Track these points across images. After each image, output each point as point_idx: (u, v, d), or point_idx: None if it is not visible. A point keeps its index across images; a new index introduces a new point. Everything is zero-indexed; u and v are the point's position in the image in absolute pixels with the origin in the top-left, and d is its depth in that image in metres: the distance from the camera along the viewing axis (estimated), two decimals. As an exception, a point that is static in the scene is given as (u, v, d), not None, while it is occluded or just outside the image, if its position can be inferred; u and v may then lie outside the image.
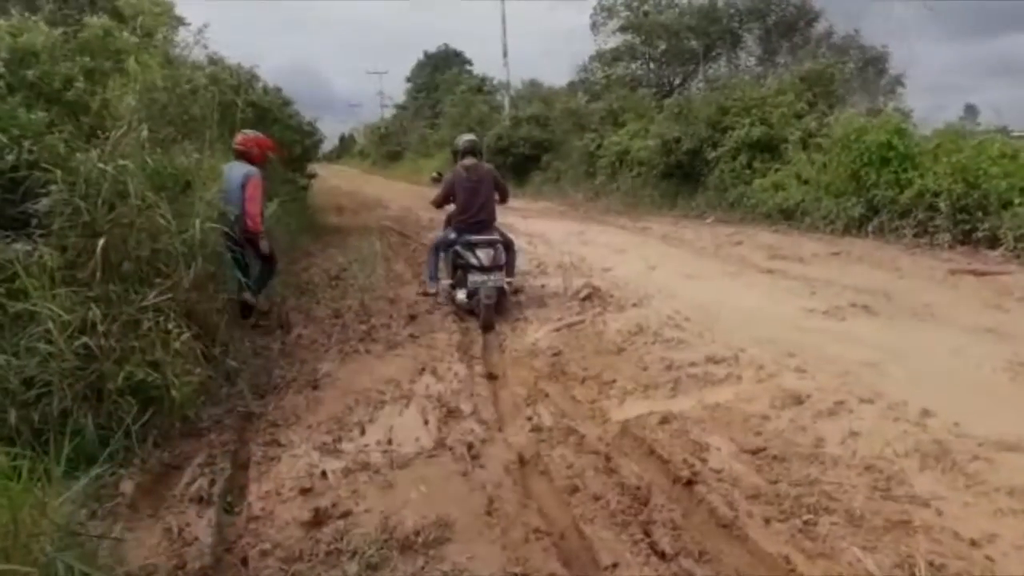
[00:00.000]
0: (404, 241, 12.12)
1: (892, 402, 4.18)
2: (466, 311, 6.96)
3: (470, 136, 7.78)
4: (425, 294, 7.51)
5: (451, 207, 7.41)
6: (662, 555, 2.81)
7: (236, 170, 6.41)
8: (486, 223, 7.16)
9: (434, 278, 7.45)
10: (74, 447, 3.49)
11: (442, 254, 7.39)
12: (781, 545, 2.76)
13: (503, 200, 7.58)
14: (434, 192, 7.68)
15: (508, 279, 7.11)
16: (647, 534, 2.95)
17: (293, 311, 7.03)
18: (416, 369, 5.23)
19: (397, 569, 2.81)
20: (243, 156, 6.58)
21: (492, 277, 6.73)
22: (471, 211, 7.12)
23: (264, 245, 6.48)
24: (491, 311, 6.60)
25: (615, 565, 2.74)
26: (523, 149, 23.72)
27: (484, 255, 6.81)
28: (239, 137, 6.70)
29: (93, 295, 4.02)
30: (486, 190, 7.20)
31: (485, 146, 24.29)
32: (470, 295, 6.80)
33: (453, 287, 7.14)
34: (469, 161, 7.25)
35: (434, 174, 8.26)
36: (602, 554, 2.82)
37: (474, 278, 6.76)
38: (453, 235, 7.15)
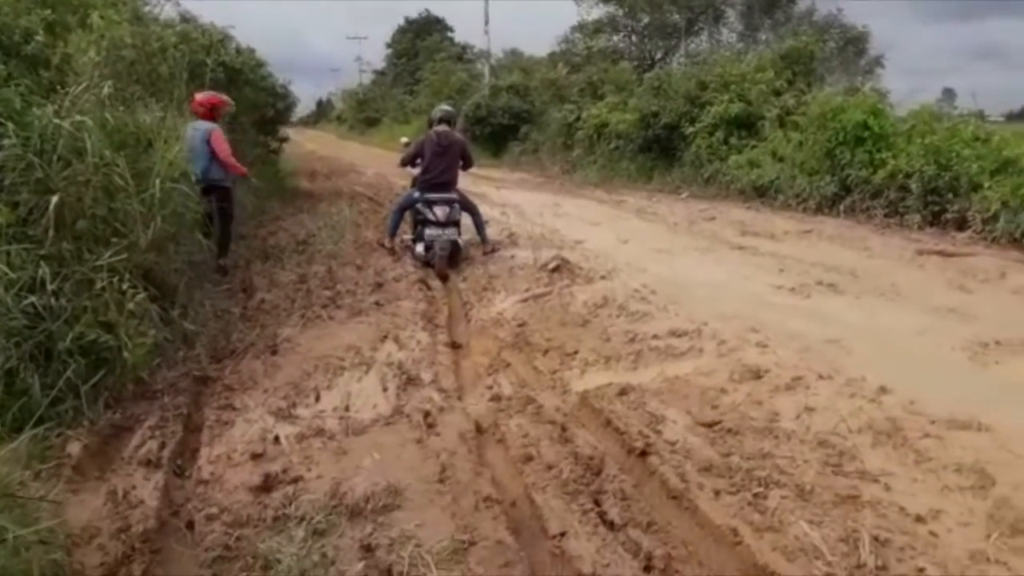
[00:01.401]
0: (375, 208, 11.99)
1: (850, 378, 4.21)
2: (423, 263, 7.56)
3: (447, 107, 8.57)
4: (381, 246, 8.08)
5: (416, 170, 8.04)
6: (611, 525, 2.81)
7: (197, 128, 6.81)
8: (447, 185, 7.79)
9: (394, 234, 8.13)
10: (20, 408, 3.44)
11: (406, 214, 8.09)
12: (729, 518, 2.77)
13: (467, 167, 8.26)
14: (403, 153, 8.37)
15: (481, 243, 8.00)
16: (597, 504, 2.95)
17: (257, 275, 6.94)
18: (378, 336, 5.18)
19: (344, 535, 2.78)
20: (201, 116, 7.02)
21: (447, 232, 7.51)
22: (434, 172, 7.76)
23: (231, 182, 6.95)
24: (444, 261, 7.34)
25: (563, 534, 2.73)
26: (502, 119, 23.50)
27: (440, 211, 7.55)
28: (196, 98, 7.10)
29: (44, 253, 3.91)
30: (452, 156, 7.87)
31: (463, 115, 24.22)
32: (427, 248, 7.50)
33: (413, 241, 7.84)
34: (442, 128, 7.90)
35: (404, 139, 8.91)
36: (551, 523, 2.81)
37: (430, 232, 7.49)
38: (416, 194, 7.80)
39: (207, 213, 6.23)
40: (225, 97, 7.48)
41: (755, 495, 2.94)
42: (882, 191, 10.89)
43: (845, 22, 23.76)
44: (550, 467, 3.25)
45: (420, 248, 7.62)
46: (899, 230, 10.05)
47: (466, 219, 8.09)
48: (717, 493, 2.97)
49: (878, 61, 23.00)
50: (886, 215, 10.66)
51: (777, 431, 3.51)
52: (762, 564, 2.49)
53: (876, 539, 2.61)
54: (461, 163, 8.04)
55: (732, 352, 4.64)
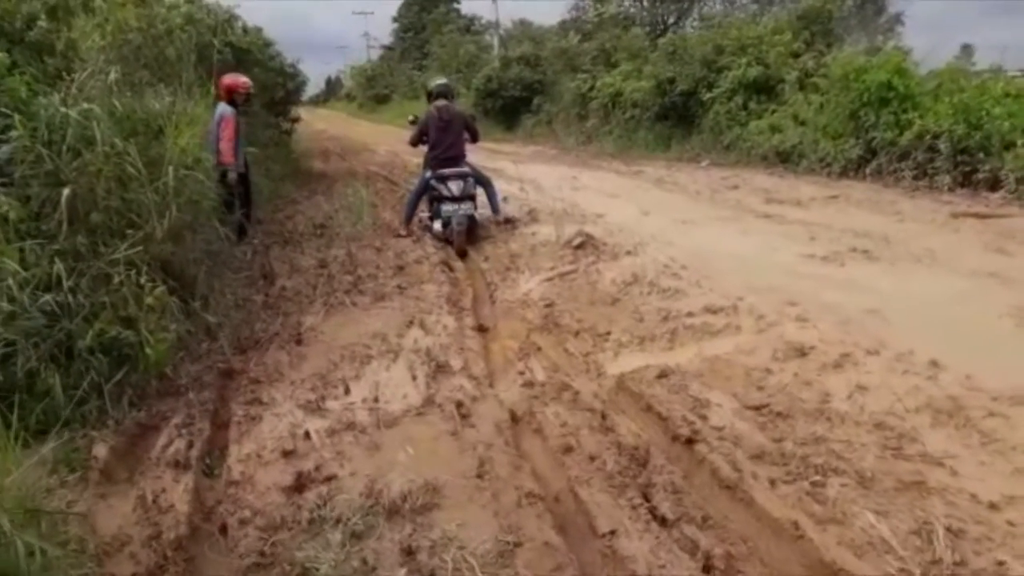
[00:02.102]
0: (391, 187, 11.82)
1: (898, 352, 4.02)
2: (442, 240, 7.56)
3: (442, 80, 8.70)
4: (398, 235, 7.83)
5: (426, 148, 8.04)
6: (663, 521, 2.67)
7: (217, 112, 6.89)
8: (457, 159, 7.80)
9: (409, 220, 8.04)
10: (43, 409, 3.34)
11: (421, 199, 8.03)
12: (788, 509, 2.62)
13: (474, 140, 8.29)
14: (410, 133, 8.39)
15: (493, 213, 8.02)
16: (646, 498, 2.81)
17: (277, 261, 6.81)
18: (404, 322, 5.04)
19: (383, 538, 2.66)
20: (219, 98, 7.05)
21: (463, 206, 7.48)
22: (442, 147, 7.78)
23: (231, 177, 6.76)
24: (462, 236, 7.30)
25: (613, 532, 2.60)
26: (513, 91, 23.10)
27: (455, 186, 7.53)
28: (225, 78, 7.22)
29: (59, 248, 3.80)
30: (456, 129, 7.88)
31: (475, 88, 23.92)
32: (444, 224, 7.49)
33: (430, 219, 7.83)
34: (441, 103, 7.95)
35: (411, 117, 8.83)
36: (599, 520, 2.68)
37: (447, 208, 7.49)
38: (428, 174, 7.78)
39: (223, 198, 6.16)
40: (241, 80, 7.38)
41: (813, 484, 2.79)
42: (909, 153, 10.56)
43: (862, -21, 23.17)
44: (592, 458, 3.11)
45: (438, 225, 7.63)
46: (929, 192, 9.77)
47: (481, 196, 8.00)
48: (772, 483, 2.82)
49: (898, 18, 22.44)
50: (914, 177, 10.35)
51: (830, 413, 3.34)
52: (829, 561, 2.35)
53: (949, 529, 2.45)
54: (467, 135, 8.07)
55: (772, 328, 4.46)
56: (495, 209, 8.12)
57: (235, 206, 6.60)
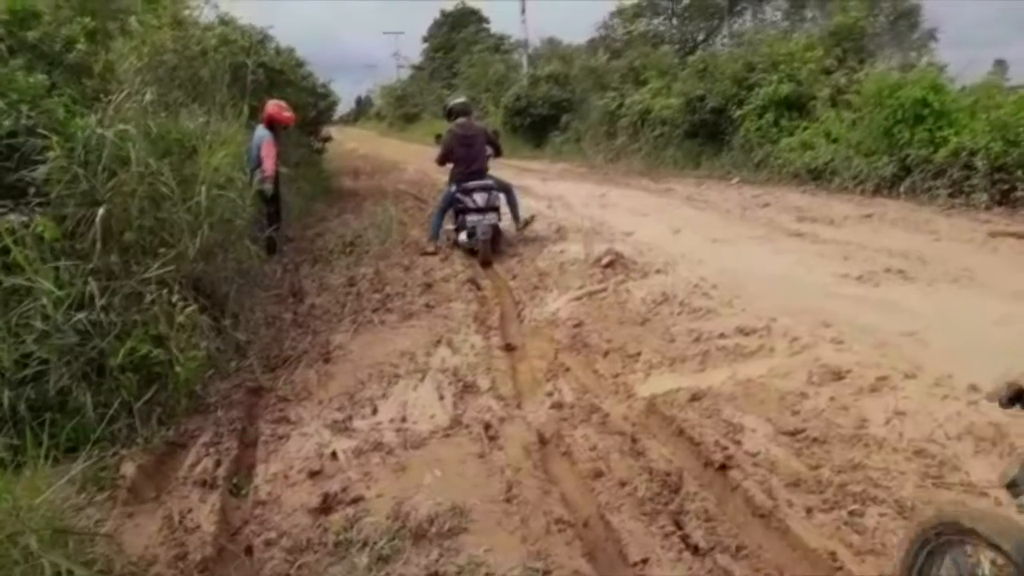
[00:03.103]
0: (420, 206, 11.85)
1: (937, 377, 3.91)
2: (467, 249, 7.84)
3: (461, 98, 9.22)
4: (424, 253, 7.91)
5: (452, 165, 8.28)
6: (695, 549, 2.60)
7: (256, 134, 7.31)
8: (480, 172, 8.07)
9: (436, 236, 8.19)
10: (74, 427, 3.36)
11: (449, 212, 8.20)
12: (826, 539, 2.54)
13: (498, 154, 8.59)
14: (438, 150, 8.60)
15: (513, 220, 8.26)
16: (678, 525, 2.75)
17: (306, 279, 6.85)
18: (432, 341, 5.03)
19: (410, 562, 2.62)
20: (261, 122, 7.50)
21: (487, 217, 7.74)
22: (466, 163, 8.06)
23: (267, 189, 7.03)
24: (487, 246, 7.62)
25: (645, 561, 2.54)
26: (542, 109, 23.13)
27: (480, 198, 7.78)
28: (269, 106, 7.62)
29: (93, 267, 3.84)
30: (478, 144, 8.18)
31: (503, 106, 24.01)
32: (470, 235, 7.74)
33: (456, 231, 8.06)
34: (462, 120, 8.27)
35: (436, 136, 9.07)
36: (631, 548, 2.62)
37: (471, 219, 7.73)
38: (453, 187, 8.04)
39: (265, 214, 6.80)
40: (286, 114, 7.72)
41: (851, 513, 2.70)
42: (945, 170, 10.37)
43: (896, -5, 22.89)
44: (623, 484, 3.05)
45: (463, 236, 7.90)
46: (965, 211, 9.57)
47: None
48: (809, 511, 2.74)
49: (931, 35, 22.07)
50: (950, 195, 10.15)
51: (867, 439, 3.24)
52: (868, 594, 2.26)
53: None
54: (490, 150, 8.35)
55: (806, 350, 4.37)
56: (515, 216, 8.38)
57: (265, 223, 6.90)
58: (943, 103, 10.99)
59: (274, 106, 7.64)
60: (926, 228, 8.49)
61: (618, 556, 2.63)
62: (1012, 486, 1.57)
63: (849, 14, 16.23)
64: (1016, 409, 1.38)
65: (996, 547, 1.60)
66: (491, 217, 7.79)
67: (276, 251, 7.32)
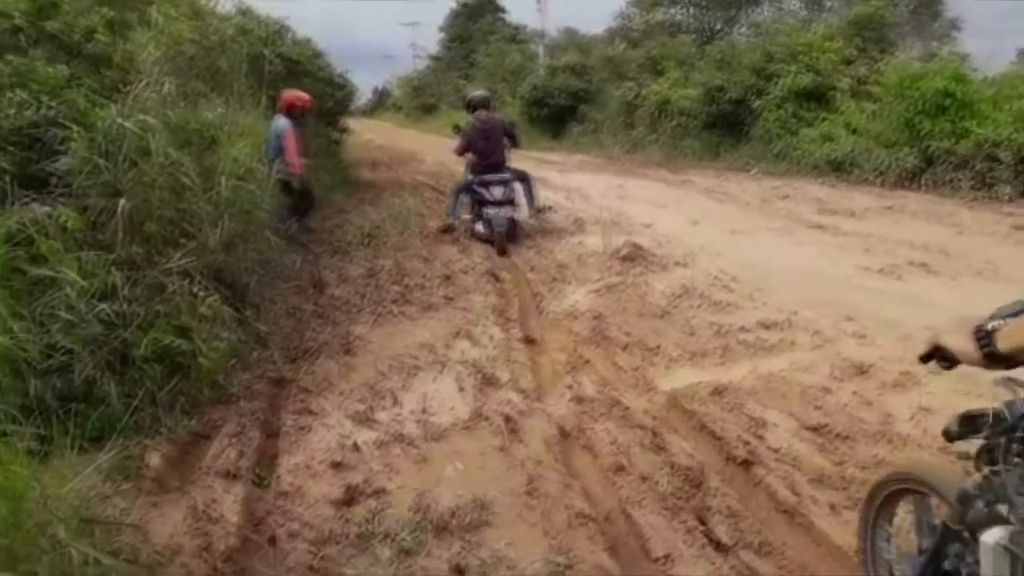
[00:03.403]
0: (438, 197, 11.82)
1: (962, 372, 3.84)
2: (484, 240, 8.00)
3: (481, 91, 9.41)
4: (445, 229, 8.40)
5: (471, 155, 8.50)
6: (719, 545, 2.59)
7: (275, 123, 7.36)
8: (499, 165, 8.31)
9: (453, 215, 8.49)
10: (99, 417, 3.39)
11: (462, 195, 8.46)
12: (851, 536, 2.50)
13: (515, 145, 8.78)
14: (455, 141, 8.79)
15: (528, 209, 8.28)
16: (702, 521, 2.73)
17: (326, 270, 6.86)
18: (451, 333, 5.03)
19: (432, 555, 2.63)
20: (292, 108, 7.64)
21: (504, 210, 7.96)
22: (485, 155, 8.29)
23: (296, 181, 7.30)
24: (503, 237, 7.79)
25: (667, 556, 2.53)
26: (559, 100, 23.01)
27: (498, 191, 8.03)
28: (285, 94, 7.74)
29: (116, 258, 3.86)
30: (497, 137, 8.37)
31: (520, 97, 23.94)
32: (487, 226, 7.98)
33: (473, 221, 8.28)
34: (482, 113, 8.47)
35: (454, 127, 9.36)
36: (653, 543, 2.61)
37: (489, 211, 7.97)
38: (471, 177, 8.31)
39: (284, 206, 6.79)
40: (305, 96, 7.94)
41: (876, 510, 2.67)
42: (968, 162, 10.27)
43: (918, -16, 22.55)
44: (645, 478, 3.04)
45: (480, 227, 8.12)
46: (988, 203, 9.47)
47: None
48: (833, 508, 2.72)
49: (954, 24, 21.77)
50: (973, 187, 10.06)
51: (892, 435, 3.22)
52: (895, 592, 2.24)
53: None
54: (507, 141, 8.54)
55: (829, 344, 4.34)
56: (532, 203, 8.49)
57: (293, 212, 7.20)
58: (966, 94, 10.87)
59: (291, 93, 7.78)
60: (949, 220, 8.40)
61: (640, 551, 2.63)
62: (950, 437, 1.68)
63: (870, 3, 16.05)
64: (932, 365, 1.57)
65: (938, 492, 1.80)
66: (507, 209, 7.99)
67: (312, 233, 7.87)
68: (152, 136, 4.30)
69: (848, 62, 14.16)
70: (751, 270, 6.12)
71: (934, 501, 1.84)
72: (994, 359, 1.37)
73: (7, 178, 3.87)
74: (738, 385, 3.84)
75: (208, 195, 4.61)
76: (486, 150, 8.30)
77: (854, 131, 12.46)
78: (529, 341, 5.07)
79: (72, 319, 3.46)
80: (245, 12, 10.28)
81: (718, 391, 3.75)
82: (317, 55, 12.25)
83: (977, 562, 1.54)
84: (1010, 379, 1.56)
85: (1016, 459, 1.50)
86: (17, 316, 3.32)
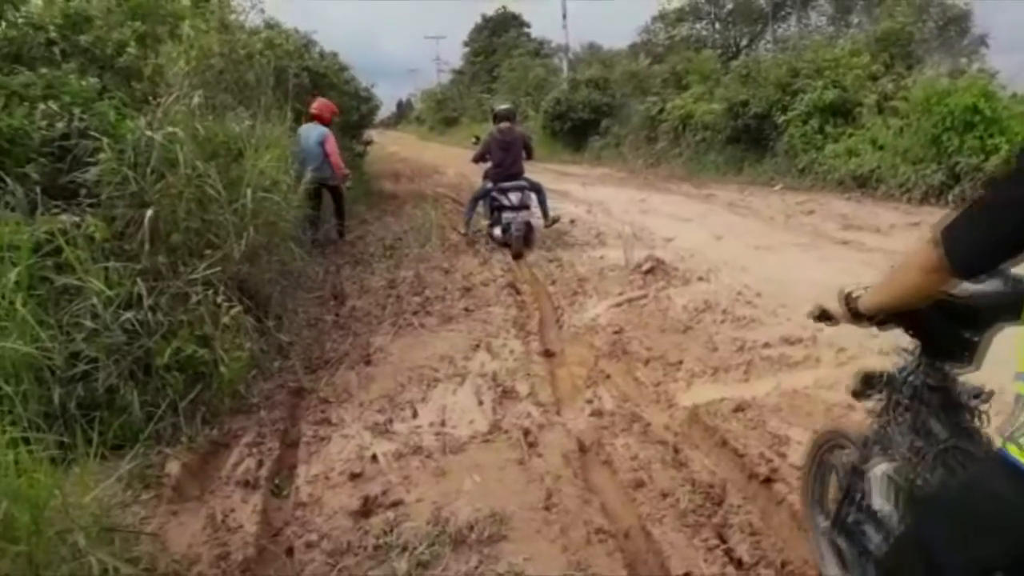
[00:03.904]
0: (459, 209, 11.84)
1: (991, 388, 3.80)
2: (501, 244, 8.49)
3: (507, 105, 10.00)
4: (462, 234, 9.00)
5: (487, 164, 8.98)
6: (739, 564, 2.55)
7: (312, 131, 7.98)
8: (516, 174, 8.74)
9: (470, 222, 9.04)
10: (120, 425, 3.41)
11: (480, 202, 8.97)
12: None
13: (529, 156, 9.18)
14: (474, 151, 9.43)
15: (542, 217, 8.83)
16: (722, 539, 2.69)
17: (347, 281, 6.91)
18: (471, 345, 5.03)
19: (449, 568, 2.61)
20: (316, 119, 8.16)
21: (521, 215, 8.43)
22: (504, 165, 8.72)
23: (343, 183, 8.35)
24: (520, 241, 8.27)
25: (687, 575, 2.49)
26: (582, 113, 23.09)
27: (515, 197, 8.50)
28: (314, 104, 8.32)
29: (141, 268, 3.90)
30: (516, 149, 8.84)
31: (543, 111, 24.05)
32: (504, 230, 8.42)
33: (491, 226, 8.73)
34: (504, 125, 8.89)
35: (473, 138, 10.15)
36: (673, 561, 2.57)
37: (506, 216, 8.43)
38: (489, 184, 8.77)
39: (313, 208, 7.57)
40: (332, 106, 8.65)
41: (901, 531, 2.62)
42: (996, 179, 10.13)
43: (944, 0, 22.35)
44: (665, 495, 3.01)
45: (498, 231, 8.57)
46: (1017, 220, 9.32)
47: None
48: (857, 528, 2.66)
49: (982, 40, 21.49)
50: (1001, 204, 9.90)
51: (918, 455, 3.15)
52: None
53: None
54: (524, 154, 8.99)
55: (853, 361, 4.26)
56: (544, 212, 8.92)
57: (334, 215, 8.40)
58: (994, 110, 10.75)
59: (326, 102, 8.43)
60: (976, 238, 8.27)
61: (660, 569, 2.59)
62: (856, 394, 2.10)
63: (896, 19, 15.97)
64: (822, 325, 1.96)
65: (852, 443, 2.12)
66: (524, 214, 8.47)
67: (343, 236, 8.57)
68: (179, 148, 4.36)
69: (874, 78, 14.07)
70: (775, 285, 6.07)
71: (855, 451, 2.09)
72: (857, 317, 1.76)
73: (36, 189, 3.93)
74: (761, 402, 3.79)
75: (233, 206, 4.66)
76: (505, 160, 8.73)
77: (880, 147, 12.34)
78: (549, 354, 5.05)
79: (96, 328, 3.50)
80: (273, 26, 10.44)
81: (740, 407, 3.70)
82: (343, 68, 12.40)
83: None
84: (904, 348, 1.94)
85: (903, 411, 1.89)
86: (43, 324, 3.36)
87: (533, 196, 8.70)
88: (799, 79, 14.66)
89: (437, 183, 16.29)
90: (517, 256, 8.09)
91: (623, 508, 3.01)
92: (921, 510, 1.66)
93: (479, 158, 9.12)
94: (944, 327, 1.79)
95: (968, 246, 1.34)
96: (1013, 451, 1.22)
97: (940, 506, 1.49)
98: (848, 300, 1.80)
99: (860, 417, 3.52)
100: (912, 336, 1.89)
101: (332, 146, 8.00)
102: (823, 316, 1.92)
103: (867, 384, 2.05)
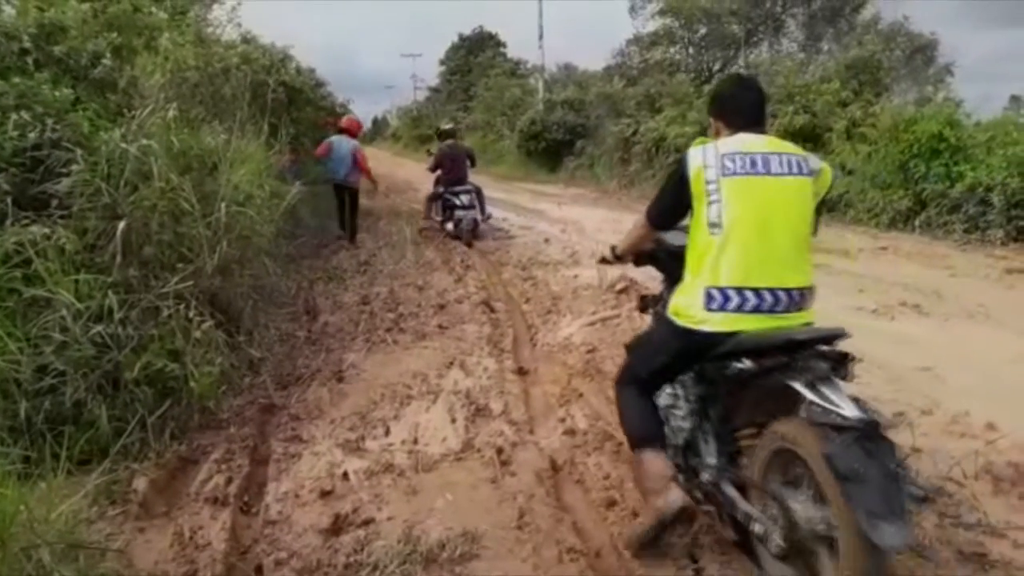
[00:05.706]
0: (433, 226, 11.90)
1: (954, 414, 3.90)
2: (453, 237, 10.47)
3: (450, 125, 13.13)
4: (421, 230, 11.16)
5: (438, 172, 11.09)
6: (707, 582, 2.57)
7: (344, 143, 9.88)
8: (463, 180, 10.88)
9: (430, 216, 11.37)
10: (87, 439, 3.37)
11: (435, 202, 11.24)
12: (841, 577, 2.50)
13: (473, 165, 11.43)
14: (429, 161, 11.49)
15: (481, 215, 10.82)
16: (692, 559, 2.71)
17: (321, 296, 6.87)
18: (444, 362, 5.02)
19: (420, 588, 2.60)
20: (345, 131, 10.13)
21: (470, 213, 10.52)
22: (453, 173, 10.84)
23: (375, 187, 11.57)
24: (470, 234, 10.36)
25: (658, 594, 2.51)
26: (556, 134, 23.28)
27: (465, 198, 10.63)
28: (344, 120, 10.71)
29: (112, 280, 3.86)
30: (462, 159, 11.13)
31: (519, 130, 24.23)
32: (455, 225, 10.49)
33: (442, 223, 10.92)
34: (450, 141, 11.35)
35: (428, 151, 12.85)
36: (643, 580, 2.58)
37: (459, 213, 10.49)
38: (441, 189, 10.91)
39: (339, 206, 10.12)
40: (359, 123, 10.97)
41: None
42: (961, 205, 10.40)
43: (912, 30, 22.94)
44: (636, 514, 3.02)
45: (450, 226, 10.61)
46: (981, 246, 9.57)
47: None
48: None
49: (948, 69, 22.07)
50: (966, 231, 10.17)
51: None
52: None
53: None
54: (469, 163, 11.21)
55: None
56: (482, 209, 10.84)
57: (348, 211, 10.08)
58: (960, 138, 11.04)
59: (358, 121, 10.82)
60: (941, 263, 8.47)
61: (631, 588, 2.60)
62: (640, 309, 3.67)
63: (865, 47, 16.35)
64: (604, 266, 3.36)
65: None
66: (473, 212, 10.55)
67: (355, 233, 10.14)
68: (154, 160, 4.33)
69: (843, 104, 14.39)
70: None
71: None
72: (619, 259, 3.24)
73: (7, 199, 3.88)
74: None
75: (207, 220, 4.63)
76: (453, 168, 10.83)
77: (849, 172, 12.59)
78: (522, 372, 5.06)
79: (65, 340, 3.46)
80: (249, 41, 10.42)
81: (710, 427, 3.73)
82: (319, 84, 12.40)
83: None
84: (661, 281, 3.30)
85: (661, 307, 3.07)
86: (11, 336, 3.32)
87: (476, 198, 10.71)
88: (770, 104, 14.90)
89: (412, 199, 16.28)
90: (469, 245, 10.03)
91: (595, 527, 3.02)
92: (634, 343, 3.13)
93: (434, 168, 11.14)
94: (672, 264, 2.95)
95: (656, 212, 2.83)
96: (671, 314, 2.66)
97: (642, 341, 3.04)
98: (613, 249, 3.25)
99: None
100: (659, 271, 3.30)
101: (364, 158, 9.96)
102: (603, 260, 3.36)
103: (646, 302, 3.50)
